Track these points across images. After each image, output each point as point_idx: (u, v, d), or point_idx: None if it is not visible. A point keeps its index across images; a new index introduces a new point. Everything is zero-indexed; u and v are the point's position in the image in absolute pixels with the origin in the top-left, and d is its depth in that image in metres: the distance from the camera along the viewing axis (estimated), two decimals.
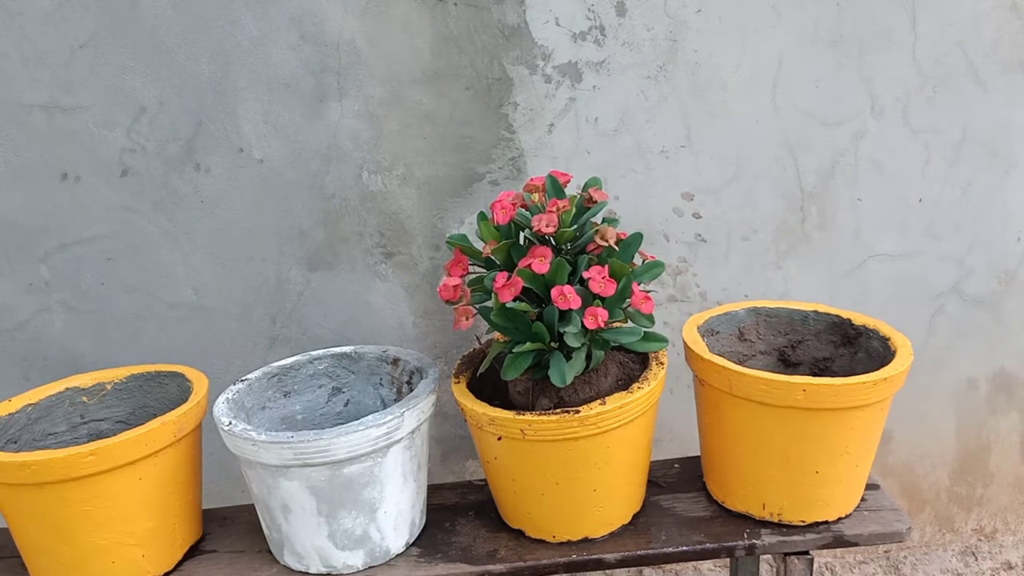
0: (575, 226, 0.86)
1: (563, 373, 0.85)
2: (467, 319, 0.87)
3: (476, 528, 1.02)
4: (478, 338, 1.09)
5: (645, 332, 0.90)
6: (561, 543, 0.96)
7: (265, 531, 0.99)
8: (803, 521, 0.95)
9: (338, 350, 1.10)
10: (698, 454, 1.06)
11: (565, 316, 0.85)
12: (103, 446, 0.87)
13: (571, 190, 0.94)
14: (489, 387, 1.00)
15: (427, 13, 1.16)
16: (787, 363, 1.08)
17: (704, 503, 1.03)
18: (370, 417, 0.89)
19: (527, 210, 0.90)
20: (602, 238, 0.86)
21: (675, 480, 1.08)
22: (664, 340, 0.92)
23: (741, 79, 1.22)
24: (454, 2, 1.16)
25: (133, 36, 1.14)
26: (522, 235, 0.90)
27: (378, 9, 1.15)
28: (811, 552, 0.96)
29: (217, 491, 1.08)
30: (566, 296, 0.83)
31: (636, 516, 1.00)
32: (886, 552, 1.56)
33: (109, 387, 1.06)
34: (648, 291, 0.90)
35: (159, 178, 1.20)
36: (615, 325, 0.89)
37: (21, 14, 1.12)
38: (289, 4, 1.14)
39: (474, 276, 0.91)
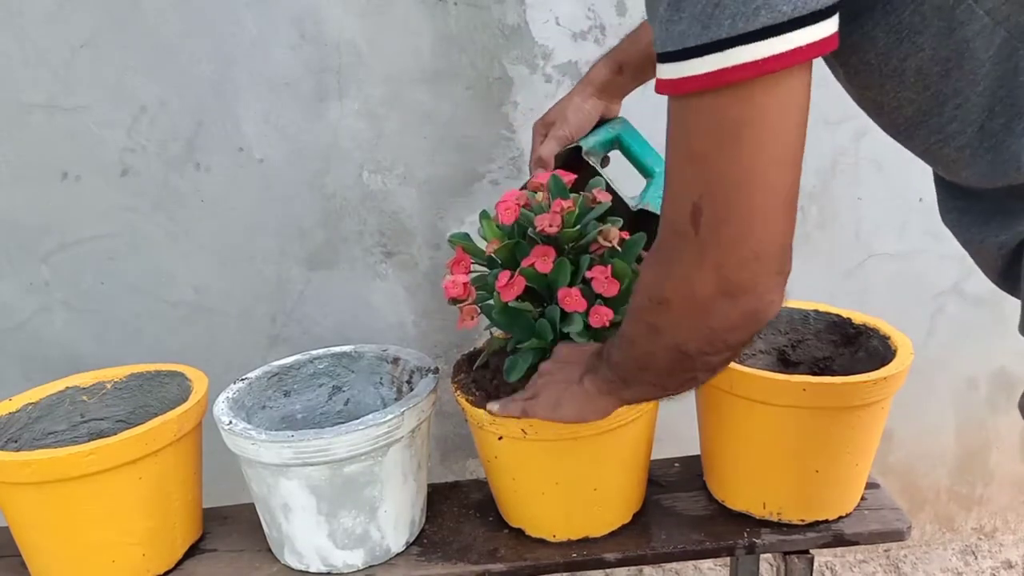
0: (578, 226, 0.86)
1: None
2: (472, 318, 0.87)
3: (476, 527, 1.02)
4: (491, 332, 1.08)
5: None
6: (561, 542, 0.96)
7: (265, 530, 0.99)
8: (803, 520, 0.95)
9: (338, 349, 1.10)
10: (698, 453, 1.06)
11: (567, 316, 0.85)
12: (103, 445, 0.87)
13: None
14: (491, 385, 0.99)
15: (427, 13, 1.16)
16: (787, 362, 1.08)
17: (704, 502, 1.03)
18: (370, 416, 0.89)
19: (530, 210, 0.90)
20: (605, 238, 0.87)
21: (675, 479, 1.08)
22: None
23: None
24: (454, 2, 1.16)
25: (133, 36, 1.14)
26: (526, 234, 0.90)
27: (378, 9, 1.15)
28: (811, 551, 0.96)
29: (217, 490, 1.08)
30: (573, 298, 0.83)
31: (636, 515, 1.00)
32: (886, 551, 1.56)
33: (109, 386, 1.06)
34: None
35: (159, 178, 1.20)
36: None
37: (21, 14, 1.12)
38: (289, 4, 1.14)
39: (476, 275, 0.91)
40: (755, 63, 0.47)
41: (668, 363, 0.63)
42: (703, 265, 0.54)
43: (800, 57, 0.48)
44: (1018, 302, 0.59)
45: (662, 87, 0.52)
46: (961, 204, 0.62)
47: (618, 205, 0.94)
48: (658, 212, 0.91)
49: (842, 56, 0.58)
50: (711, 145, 0.51)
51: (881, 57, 0.55)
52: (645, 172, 0.98)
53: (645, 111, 1.04)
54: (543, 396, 0.81)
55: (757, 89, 0.48)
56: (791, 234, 0.54)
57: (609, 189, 0.95)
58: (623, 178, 0.97)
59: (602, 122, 0.97)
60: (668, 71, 0.50)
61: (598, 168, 0.95)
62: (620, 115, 1.00)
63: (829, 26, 0.49)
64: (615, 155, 1.01)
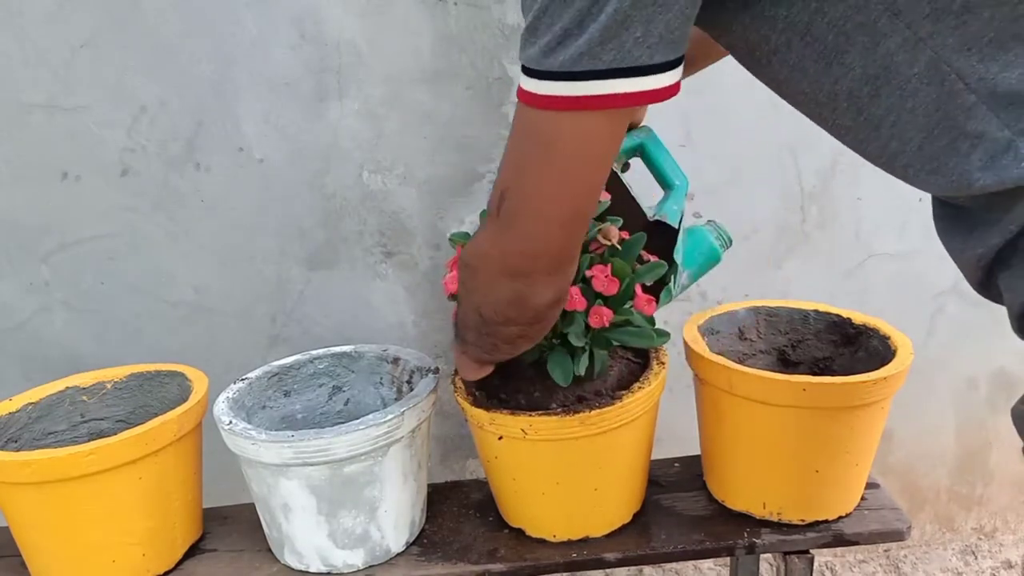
0: None
1: (567, 372, 0.86)
2: None
3: (476, 527, 1.02)
4: None
5: (647, 328, 0.90)
6: (561, 542, 0.96)
7: (265, 530, 0.99)
8: (803, 520, 0.95)
9: (338, 349, 1.10)
10: (698, 453, 1.06)
11: (567, 315, 0.85)
12: (103, 445, 0.87)
13: None
14: (491, 385, 0.99)
15: (427, 12, 1.16)
16: (787, 362, 1.08)
17: (704, 502, 1.03)
18: (370, 416, 0.89)
19: None
20: (605, 237, 0.87)
21: (675, 479, 1.08)
22: (666, 335, 0.92)
23: (741, 78, 1.22)
24: (454, 2, 1.16)
25: (133, 36, 1.14)
26: None
27: (378, 9, 1.15)
28: (811, 551, 0.96)
29: (217, 490, 1.08)
30: (572, 297, 0.83)
31: (636, 515, 1.00)
32: (886, 551, 1.56)
33: (109, 386, 1.06)
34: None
35: (159, 178, 1.20)
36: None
37: (21, 14, 1.12)
38: (289, 4, 1.14)
39: None
40: (570, 98, 0.54)
41: (476, 323, 0.73)
42: (494, 244, 0.64)
43: (616, 102, 0.53)
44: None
45: (518, 92, 0.58)
46: (949, 212, 0.63)
47: (635, 213, 0.94)
48: (674, 224, 0.92)
49: (779, 90, 0.61)
50: (527, 151, 0.59)
51: (815, 85, 0.57)
52: (665, 183, 0.97)
53: (655, 121, 1.05)
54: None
55: (568, 119, 0.55)
56: (571, 247, 0.65)
57: (628, 196, 0.94)
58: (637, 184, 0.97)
59: (628, 128, 0.97)
60: (521, 80, 0.57)
61: (619, 173, 0.95)
62: (645, 123, 0.99)
63: (654, 81, 0.53)
64: (636, 164, 1.00)
